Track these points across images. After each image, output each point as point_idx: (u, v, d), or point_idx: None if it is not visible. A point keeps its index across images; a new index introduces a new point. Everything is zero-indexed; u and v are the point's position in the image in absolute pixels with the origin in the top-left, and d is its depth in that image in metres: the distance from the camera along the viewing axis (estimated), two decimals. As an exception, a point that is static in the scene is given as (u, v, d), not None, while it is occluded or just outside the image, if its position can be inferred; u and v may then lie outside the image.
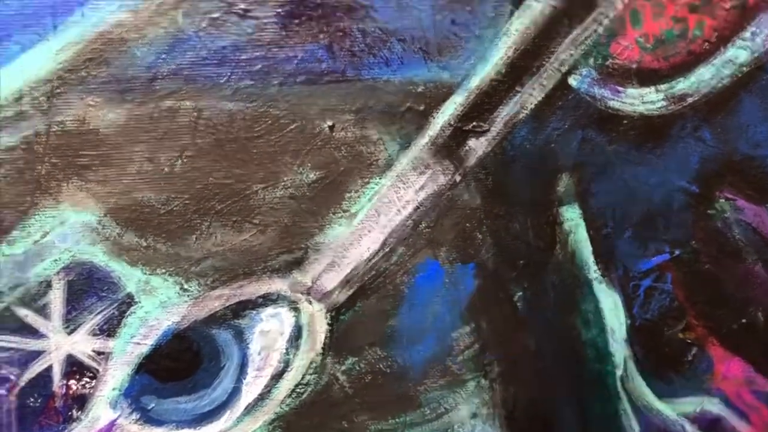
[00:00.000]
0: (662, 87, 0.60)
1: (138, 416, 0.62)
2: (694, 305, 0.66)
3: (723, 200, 0.63)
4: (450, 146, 0.60)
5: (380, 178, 0.60)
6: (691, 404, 0.68)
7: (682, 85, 0.60)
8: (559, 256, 0.63)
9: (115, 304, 0.60)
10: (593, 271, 0.64)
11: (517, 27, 0.57)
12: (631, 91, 0.60)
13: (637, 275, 0.65)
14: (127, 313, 0.61)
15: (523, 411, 0.66)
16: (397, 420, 0.65)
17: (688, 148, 0.62)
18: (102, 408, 0.62)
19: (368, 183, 0.60)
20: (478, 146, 0.60)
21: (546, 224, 0.63)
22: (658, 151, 0.62)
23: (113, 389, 0.61)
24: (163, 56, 0.55)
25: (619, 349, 0.66)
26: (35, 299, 0.60)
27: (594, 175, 0.62)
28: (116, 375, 0.61)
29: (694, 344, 0.67)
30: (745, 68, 0.60)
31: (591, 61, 0.59)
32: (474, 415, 0.66)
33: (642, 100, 0.60)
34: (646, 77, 0.59)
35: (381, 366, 0.64)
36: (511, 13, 0.57)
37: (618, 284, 0.65)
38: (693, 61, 0.59)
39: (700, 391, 0.68)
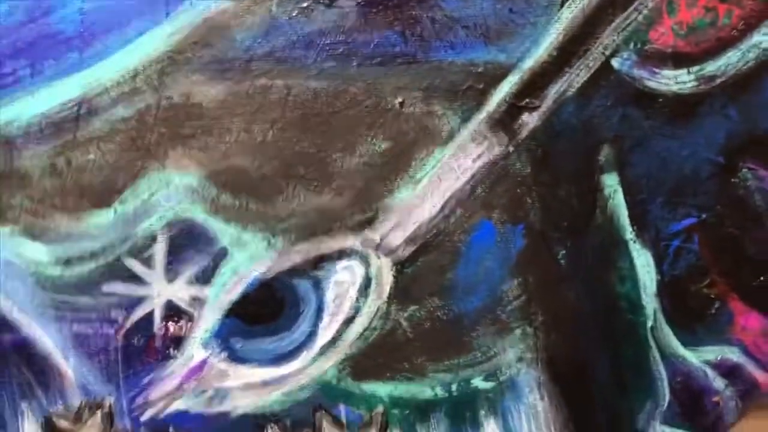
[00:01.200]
0: (694, 69, 0.67)
1: (226, 355, 0.70)
2: (717, 264, 0.73)
3: (745, 170, 0.70)
4: (505, 120, 0.67)
5: (443, 149, 0.67)
6: (713, 352, 0.76)
7: (711, 67, 0.67)
8: (598, 219, 0.71)
9: (211, 256, 0.68)
10: (629, 233, 0.71)
11: (567, 15, 0.65)
12: (666, 72, 0.67)
13: (668, 236, 0.72)
14: (221, 264, 0.69)
15: (563, 356, 0.74)
16: (452, 362, 0.73)
17: (716, 123, 0.69)
18: (195, 348, 0.70)
19: (432, 152, 0.67)
20: (529, 120, 0.67)
21: (588, 190, 0.70)
22: (689, 127, 0.69)
23: (206, 331, 0.70)
24: (259, 40, 0.63)
25: (649, 302, 0.74)
26: (141, 251, 0.68)
27: (632, 147, 0.69)
28: (209, 319, 0.69)
29: (717, 299, 0.74)
30: (768, 52, 0.67)
31: (631, 45, 0.66)
32: (519, 359, 0.74)
33: (675, 80, 0.67)
34: (680, 60, 0.66)
35: (439, 314, 0.72)
36: (562, 3, 0.64)
37: (650, 244, 0.72)
38: (721, 46, 0.66)
39: (721, 341, 0.75)
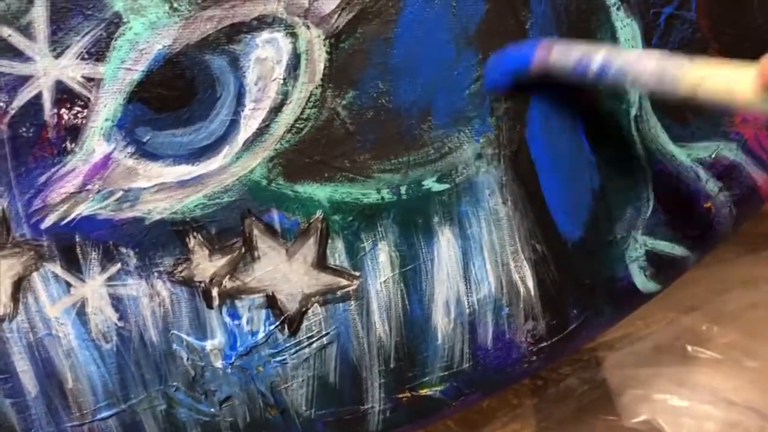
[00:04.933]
0: None
1: (133, 149, 0.56)
2: (718, 37, 0.57)
3: None
4: None
5: None
6: (707, 149, 0.61)
7: None
8: (575, -24, 0.54)
9: (103, 24, 0.53)
10: (611, -5, 0.55)
11: None
12: None
13: (659, 2, 0.56)
14: (116, 35, 0.53)
15: (528, 150, 0.59)
16: (400, 160, 0.58)
17: None
18: (96, 140, 0.55)
19: None
20: None
21: (563, -62, 0.53)
22: None
23: (106, 120, 0.55)
24: None
25: (634, 85, 0.58)
26: (17, 17, 0.52)
27: None
28: (108, 104, 0.55)
29: (715, 81, 0.58)
30: None
31: None
32: (478, 156, 0.59)
33: None
34: None
35: (383, 101, 0.57)
36: None
37: (637, 11, 0.56)
38: None
39: (717, 135, 0.60)
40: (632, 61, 0.47)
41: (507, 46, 0.55)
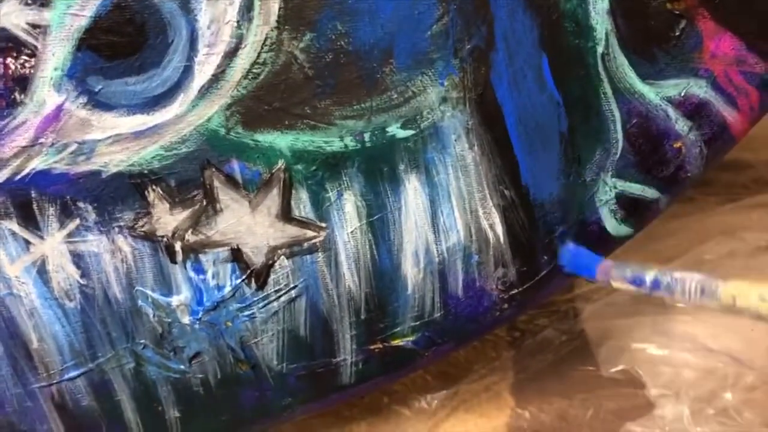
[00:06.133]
0: None
1: (86, 99, 0.54)
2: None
3: None
4: None
5: None
6: (676, 87, 0.59)
7: None
8: None
9: (44, -32, 0.50)
10: (574, -75, 0.53)
11: None
12: None
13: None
14: (60, -21, 0.51)
15: (494, 92, 0.57)
16: (362, 105, 0.57)
17: None
18: (46, 90, 0.53)
19: None
20: None
21: None
22: None
23: (55, 69, 0.53)
24: None
25: (600, 22, 0.56)
26: (-46, -39, 0.50)
27: None
28: (57, 53, 0.53)
29: (683, 16, 0.57)
30: None
31: None
32: (443, 100, 0.57)
33: None
34: None
35: (342, 43, 0.55)
36: None
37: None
38: None
39: (686, 71, 0.59)
40: (679, 276, 0.54)
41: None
